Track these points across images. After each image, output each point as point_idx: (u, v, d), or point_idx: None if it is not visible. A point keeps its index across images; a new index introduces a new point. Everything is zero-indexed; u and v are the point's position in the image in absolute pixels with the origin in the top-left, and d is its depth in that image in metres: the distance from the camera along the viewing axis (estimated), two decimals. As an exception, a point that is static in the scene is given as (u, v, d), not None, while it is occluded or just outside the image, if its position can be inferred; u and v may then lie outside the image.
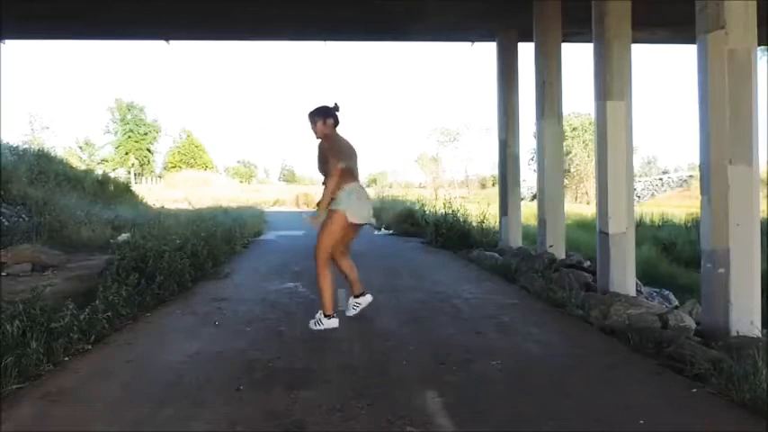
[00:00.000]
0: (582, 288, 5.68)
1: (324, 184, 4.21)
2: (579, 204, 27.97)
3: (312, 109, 4.30)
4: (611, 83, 5.57)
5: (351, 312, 4.52)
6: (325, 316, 4.18)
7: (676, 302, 6.58)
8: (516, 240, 9.23)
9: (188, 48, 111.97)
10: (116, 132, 45.53)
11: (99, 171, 22.75)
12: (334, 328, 4.15)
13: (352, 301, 4.57)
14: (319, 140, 4.33)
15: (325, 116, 4.27)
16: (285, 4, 8.14)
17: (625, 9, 5.61)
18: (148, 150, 46.72)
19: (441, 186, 41.09)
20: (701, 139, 4.36)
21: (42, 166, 12.44)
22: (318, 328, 4.15)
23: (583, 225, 13.95)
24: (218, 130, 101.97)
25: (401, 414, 2.67)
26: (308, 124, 4.31)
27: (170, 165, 47.75)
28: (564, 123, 8.72)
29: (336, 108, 4.33)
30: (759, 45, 4.59)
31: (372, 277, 6.49)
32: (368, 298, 4.57)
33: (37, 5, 8.13)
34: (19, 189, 9.50)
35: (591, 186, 30.08)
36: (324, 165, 4.22)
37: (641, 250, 9.08)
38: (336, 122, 4.32)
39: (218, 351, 3.68)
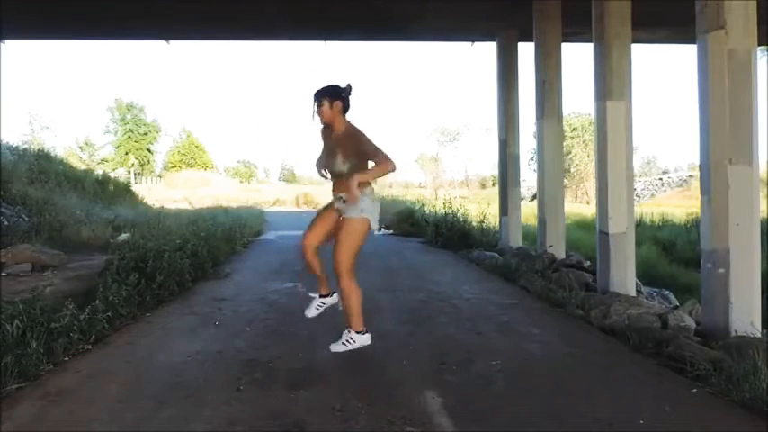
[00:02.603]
0: (582, 288, 5.69)
1: (339, 176, 3.48)
2: (579, 204, 27.98)
3: (319, 88, 3.51)
4: (611, 83, 5.57)
5: (313, 313, 3.82)
6: (357, 332, 3.59)
7: (676, 302, 6.60)
8: (516, 240, 9.24)
9: (188, 48, 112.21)
10: (116, 132, 45.51)
11: (99, 171, 22.74)
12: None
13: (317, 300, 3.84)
14: (324, 127, 3.59)
15: (332, 97, 3.47)
16: (285, 4, 8.15)
17: (625, 9, 5.61)
18: (148, 150, 46.70)
19: (441, 186, 41.11)
20: (700, 139, 4.36)
21: (42, 166, 12.44)
22: (350, 347, 3.56)
23: (583, 225, 13.96)
24: (218, 130, 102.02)
25: (401, 414, 2.67)
26: (312, 107, 3.51)
27: (170, 165, 47.75)
28: (564, 123, 8.72)
29: (348, 90, 3.53)
30: (759, 45, 4.59)
31: (372, 277, 6.48)
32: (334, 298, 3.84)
33: (37, 5, 8.14)
34: (19, 189, 9.49)
35: (591, 186, 30.09)
36: (332, 158, 3.50)
37: (641, 250, 9.09)
38: (346, 107, 3.53)
39: (218, 351, 3.68)
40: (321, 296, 3.80)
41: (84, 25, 9.53)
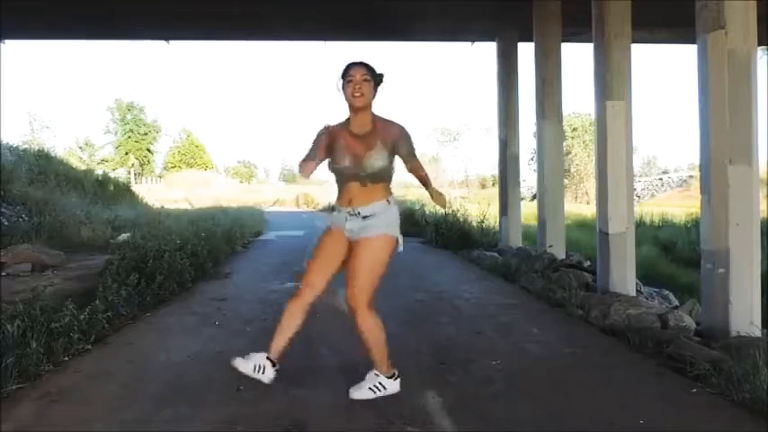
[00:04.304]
0: (582, 288, 5.68)
1: (377, 182, 2.79)
2: (579, 204, 27.95)
3: (368, 64, 2.79)
4: (612, 83, 5.57)
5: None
6: (385, 376, 2.88)
7: (676, 302, 6.59)
8: (516, 240, 9.23)
9: (188, 48, 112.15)
10: (116, 132, 45.51)
11: (99, 171, 22.74)
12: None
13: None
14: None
15: (378, 84, 2.81)
16: (285, 4, 8.15)
17: (625, 9, 5.61)
18: (148, 150, 46.70)
19: (441, 186, 40.99)
20: (701, 139, 4.36)
21: (42, 166, 12.46)
22: (374, 395, 2.84)
23: (583, 225, 13.95)
24: (218, 130, 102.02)
25: (401, 414, 2.67)
26: (357, 83, 2.69)
27: (170, 165, 47.77)
28: (564, 123, 8.72)
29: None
30: (759, 45, 4.59)
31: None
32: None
33: (37, 5, 8.14)
34: (19, 189, 9.50)
35: (591, 186, 30.07)
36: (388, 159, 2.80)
37: (641, 250, 9.08)
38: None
39: (218, 351, 3.68)
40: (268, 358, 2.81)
41: (84, 25, 9.53)
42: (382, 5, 8.20)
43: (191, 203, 19.57)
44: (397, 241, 2.86)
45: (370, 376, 2.87)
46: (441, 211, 11.24)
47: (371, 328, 2.75)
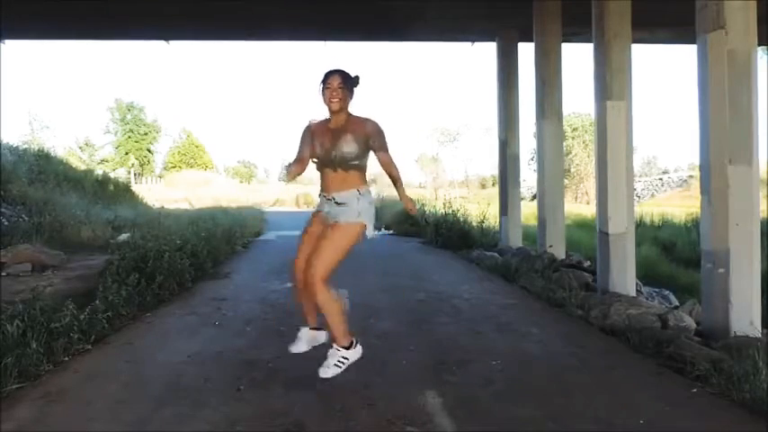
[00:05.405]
0: (582, 288, 5.69)
1: (348, 170, 3.06)
2: (579, 204, 27.95)
3: (344, 71, 3.09)
4: (611, 83, 5.57)
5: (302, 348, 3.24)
6: (346, 347, 3.03)
7: (676, 302, 6.59)
8: (516, 240, 9.24)
9: (188, 48, 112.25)
10: (116, 132, 45.48)
11: (99, 171, 22.71)
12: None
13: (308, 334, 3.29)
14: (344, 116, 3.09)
15: (354, 87, 3.12)
16: (285, 4, 8.15)
17: (625, 9, 5.62)
18: (148, 150, 46.68)
19: (441, 186, 41.10)
20: (701, 139, 4.36)
21: (42, 166, 12.45)
22: (344, 367, 3.01)
23: (583, 225, 13.95)
24: (218, 130, 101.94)
25: (401, 414, 2.67)
26: (334, 90, 3.01)
27: (170, 165, 47.73)
28: (564, 123, 8.72)
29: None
30: (759, 45, 4.59)
31: (372, 277, 6.49)
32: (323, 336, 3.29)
33: (37, 5, 8.14)
34: (19, 189, 9.50)
35: (591, 186, 30.07)
36: (361, 153, 3.07)
37: (641, 250, 9.08)
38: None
39: (218, 351, 3.68)
40: (312, 329, 3.26)
41: (83, 26, 9.53)
42: (382, 5, 8.20)
43: (191, 203, 19.59)
44: (364, 228, 3.08)
45: (332, 352, 3.04)
46: (441, 210, 11.26)
47: (327, 302, 2.95)
